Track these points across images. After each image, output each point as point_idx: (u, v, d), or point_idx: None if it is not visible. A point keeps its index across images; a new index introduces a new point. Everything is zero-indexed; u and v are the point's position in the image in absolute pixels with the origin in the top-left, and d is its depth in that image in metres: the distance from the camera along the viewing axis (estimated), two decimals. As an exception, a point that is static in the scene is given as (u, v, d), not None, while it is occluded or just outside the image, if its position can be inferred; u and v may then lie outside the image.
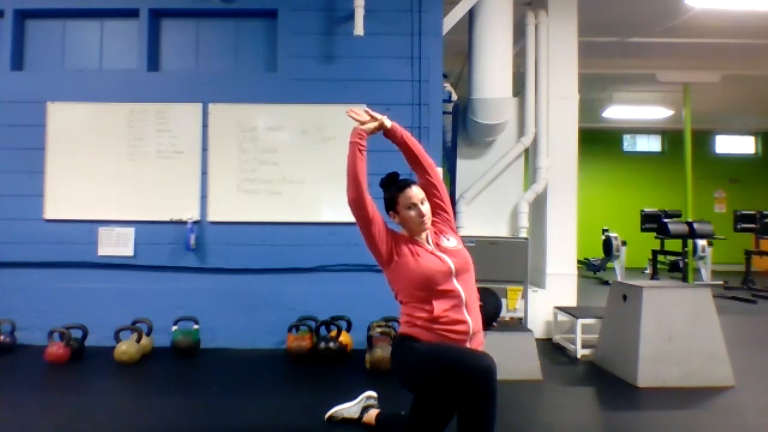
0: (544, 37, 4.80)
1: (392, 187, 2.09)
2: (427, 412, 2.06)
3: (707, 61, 7.05)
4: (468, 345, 1.95)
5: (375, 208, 2.02)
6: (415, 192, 2.04)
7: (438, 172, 2.23)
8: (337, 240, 4.10)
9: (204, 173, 4.15)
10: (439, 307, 1.93)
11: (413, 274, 1.96)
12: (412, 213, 2.02)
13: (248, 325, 4.05)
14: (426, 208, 2.04)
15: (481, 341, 2.03)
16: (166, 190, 4.15)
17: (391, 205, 2.09)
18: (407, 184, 2.06)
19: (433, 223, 2.13)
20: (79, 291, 4.08)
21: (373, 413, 2.43)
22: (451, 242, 2.09)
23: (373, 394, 2.58)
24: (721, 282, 8.25)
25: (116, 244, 4.13)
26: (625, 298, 3.51)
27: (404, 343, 2.00)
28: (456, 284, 1.97)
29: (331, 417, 2.51)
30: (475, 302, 2.03)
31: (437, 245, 2.06)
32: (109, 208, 4.14)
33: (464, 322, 1.94)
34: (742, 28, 5.82)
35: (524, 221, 4.77)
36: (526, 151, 4.93)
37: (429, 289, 1.94)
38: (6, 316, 3.92)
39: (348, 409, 2.52)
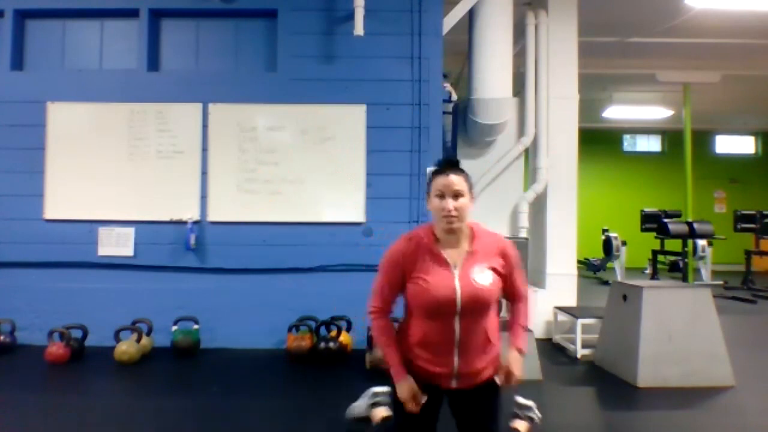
0: (544, 37, 4.81)
1: (436, 170, 1.77)
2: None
3: (707, 61, 7.05)
4: (454, 384, 1.70)
5: (395, 296, 1.81)
6: (449, 182, 1.69)
7: (524, 292, 1.86)
8: (337, 240, 4.10)
9: (204, 173, 4.15)
10: (426, 336, 1.71)
11: (414, 299, 1.73)
12: (437, 203, 1.72)
13: (248, 325, 4.05)
14: (458, 204, 1.68)
15: (479, 379, 1.72)
16: (166, 190, 4.15)
17: (427, 188, 1.83)
18: (446, 170, 1.72)
19: (487, 257, 1.75)
20: (79, 291, 4.08)
21: (380, 411, 2.35)
22: (483, 278, 1.70)
23: (382, 389, 2.48)
24: (721, 282, 8.25)
25: (116, 244, 4.13)
26: (625, 298, 3.51)
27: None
28: (455, 323, 1.67)
29: (354, 418, 2.45)
30: (477, 343, 1.70)
31: (464, 269, 1.69)
32: (109, 208, 4.14)
33: (446, 364, 1.69)
34: (742, 28, 5.82)
35: (524, 221, 4.77)
36: (526, 151, 4.93)
37: (425, 314, 1.72)
38: (6, 316, 3.93)
39: (359, 407, 2.45)
